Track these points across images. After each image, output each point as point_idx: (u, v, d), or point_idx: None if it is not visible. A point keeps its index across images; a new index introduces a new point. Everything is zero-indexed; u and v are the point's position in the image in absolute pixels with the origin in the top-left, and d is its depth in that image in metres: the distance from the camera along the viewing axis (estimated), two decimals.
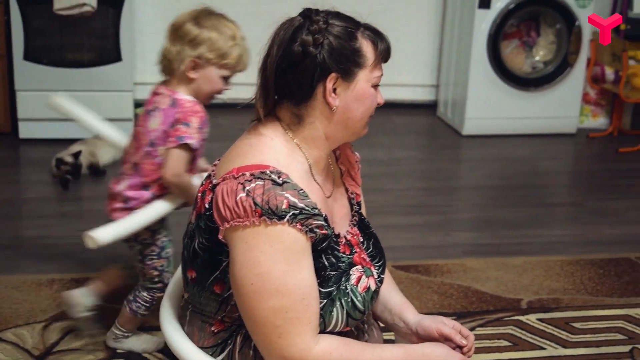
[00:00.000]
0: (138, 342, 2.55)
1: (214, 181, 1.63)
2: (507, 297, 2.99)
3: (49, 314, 2.75)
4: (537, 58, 5.06)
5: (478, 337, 2.69)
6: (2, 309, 2.77)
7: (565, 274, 3.20)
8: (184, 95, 2.33)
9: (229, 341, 1.70)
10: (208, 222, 1.62)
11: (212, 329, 1.72)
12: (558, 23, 4.98)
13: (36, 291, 2.90)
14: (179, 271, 1.87)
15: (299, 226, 1.56)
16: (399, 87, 5.42)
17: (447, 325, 1.75)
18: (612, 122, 5.27)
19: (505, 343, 2.67)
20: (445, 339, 1.73)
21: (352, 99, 1.65)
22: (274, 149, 1.65)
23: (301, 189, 1.58)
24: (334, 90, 1.63)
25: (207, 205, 1.63)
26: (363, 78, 1.64)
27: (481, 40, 4.85)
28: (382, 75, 1.68)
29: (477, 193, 4.26)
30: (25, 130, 4.56)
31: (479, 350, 2.61)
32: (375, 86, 1.68)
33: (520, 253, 3.42)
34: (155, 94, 2.40)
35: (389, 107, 5.41)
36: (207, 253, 1.66)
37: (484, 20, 4.82)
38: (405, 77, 5.44)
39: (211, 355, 1.72)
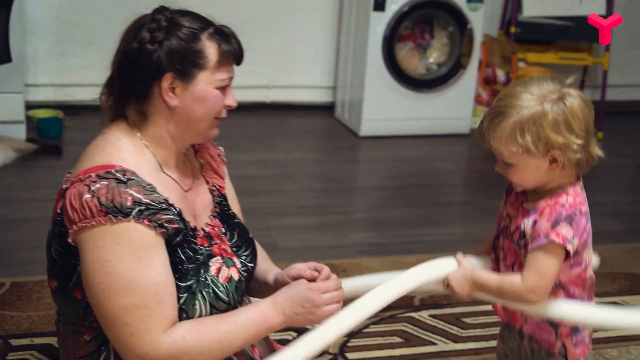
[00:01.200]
0: None
1: (64, 186, 1.63)
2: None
3: None
4: (431, 60, 5.17)
5: (371, 335, 2.74)
6: None
7: None
8: None
9: (102, 348, 1.69)
10: (60, 227, 1.62)
11: (85, 337, 1.70)
12: (451, 26, 5.09)
13: None
14: None
15: (146, 222, 1.56)
16: (296, 88, 5.46)
17: (296, 267, 1.77)
18: None
19: (398, 339, 2.72)
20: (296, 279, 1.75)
21: (191, 99, 1.65)
22: (121, 148, 1.65)
23: (148, 185, 1.59)
24: (173, 89, 1.64)
25: (58, 211, 1.63)
26: (204, 79, 1.64)
27: (377, 43, 4.92)
28: (230, 77, 1.69)
29: (373, 193, 4.32)
30: None
31: (372, 347, 2.66)
32: (223, 88, 1.68)
33: (413, 251, 3.49)
34: None
35: (287, 109, 5.46)
36: (62, 259, 1.65)
37: (379, 23, 4.89)
38: (302, 79, 5.48)
39: None
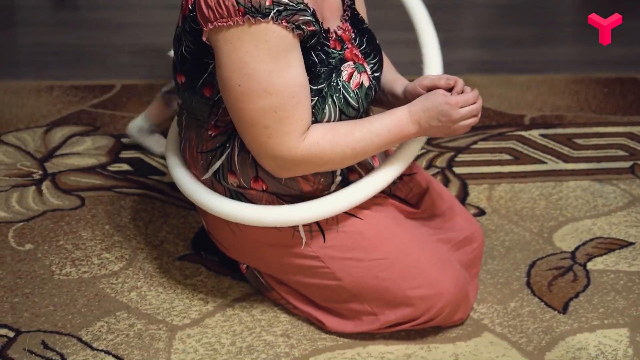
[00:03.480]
0: (158, 144, 2.52)
1: None
2: (510, 113, 2.97)
3: (49, 119, 2.73)
4: None
5: (480, 151, 2.70)
6: (2, 113, 2.76)
7: (570, 91, 3.17)
8: None
9: (227, 145, 1.69)
10: (192, 24, 1.57)
11: (209, 133, 1.70)
12: None
13: (36, 97, 2.87)
14: None
15: (284, 23, 1.50)
16: None
17: (429, 77, 1.71)
18: None
19: (507, 157, 2.67)
20: (430, 90, 1.70)
21: None
22: None
23: None
24: None
25: (190, 7, 1.57)
26: None
27: None
28: None
29: (483, 11, 4.16)
30: None
31: (480, 163, 2.62)
32: None
33: (524, 71, 3.38)
34: None
35: None
36: (193, 56, 1.62)
37: None
38: None
39: (211, 160, 1.71)
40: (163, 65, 2.96)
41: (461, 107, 1.64)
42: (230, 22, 1.50)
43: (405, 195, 1.92)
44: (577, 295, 2.01)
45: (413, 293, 1.75)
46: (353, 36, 1.74)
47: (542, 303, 1.98)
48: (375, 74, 1.75)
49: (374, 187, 1.73)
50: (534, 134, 2.83)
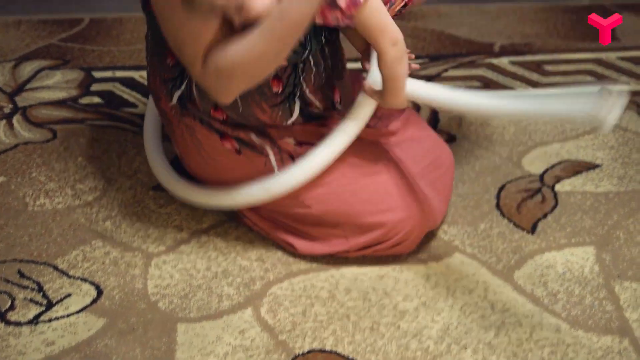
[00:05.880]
0: None
1: None
2: (479, 41, 2.98)
3: (18, 54, 2.71)
4: None
5: (450, 79, 2.71)
6: None
7: (539, 19, 3.19)
8: None
9: (185, 73, 1.69)
10: None
11: (168, 61, 1.70)
12: None
13: (3, 32, 2.84)
14: None
15: None
16: None
17: None
18: None
19: (477, 84, 2.69)
20: None
21: None
22: None
23: None
24: None
25: None
26: None
27: None
28: None
29: None
30: None
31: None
32: None
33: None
34: None
35: None
36: None
37: None
38: None
39: (171, 88, 1.71)
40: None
41: None
42: None
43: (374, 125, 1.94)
44: (545, 216, 2.06)
45: (382, 218, 1.78)
46: None
47: (511, 224, 2.02)
48: None
49: (327, 157, 1.74)
50: (503, 62, 2.84)
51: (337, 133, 1.73)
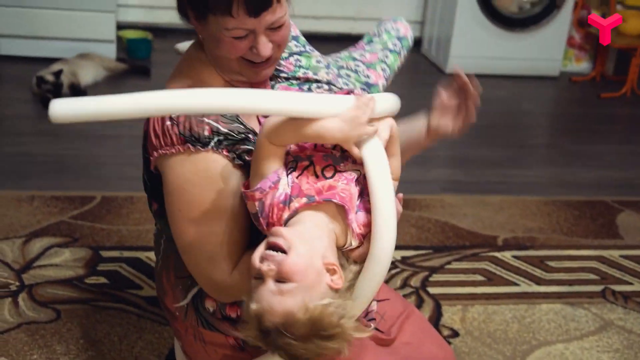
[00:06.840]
0: None
1: None
2: (483, 234, 3.03)
3: (29, 230, 2.75)
4: None
5: (453, 271, 2.73)
6: None
7: (542, 213, 3.24)
8: None
9: None
10: (145, 153, 1.62)
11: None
12: None
13: (16, 207, 2.89)
14: None
15: (225, 152, 1.53)
16: None
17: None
18: (596, 67, 5.28)
19: (480, 278, 2.71)
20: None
21: (209, 37, 1.55)
22: (197, 69, 1.59)
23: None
24: (198, 19, 1.53)
25: (143, 134, 1.62)
26: (214, 22, 1.50)
27: None
28: (248, 29, 1.49)
29: None
30: (6, 47, 4.50)
31: (454, 284, 2.66)
32: (240, 37, 1.51)
33: (497, 191, 3.45)
34: None
35: None
36: (152, 183, 1.64)
37: None
38: (389, 12, 5.40)
39: (190, 284, 1.72)
40: None
41: None
42: (173, 150, 1.53)
43: (377, 322, 1.93)
44: None
45: None
46: None
47: None
48: None
49: None
50: (506, 255, 2.87)
51: None
